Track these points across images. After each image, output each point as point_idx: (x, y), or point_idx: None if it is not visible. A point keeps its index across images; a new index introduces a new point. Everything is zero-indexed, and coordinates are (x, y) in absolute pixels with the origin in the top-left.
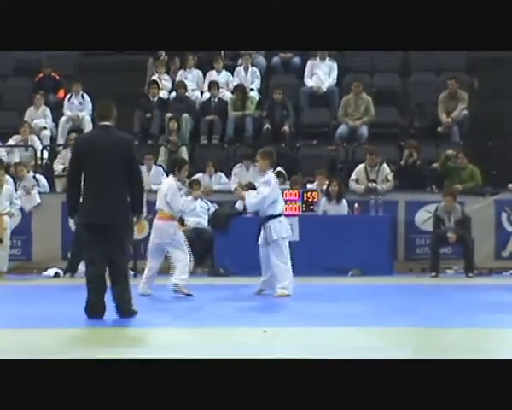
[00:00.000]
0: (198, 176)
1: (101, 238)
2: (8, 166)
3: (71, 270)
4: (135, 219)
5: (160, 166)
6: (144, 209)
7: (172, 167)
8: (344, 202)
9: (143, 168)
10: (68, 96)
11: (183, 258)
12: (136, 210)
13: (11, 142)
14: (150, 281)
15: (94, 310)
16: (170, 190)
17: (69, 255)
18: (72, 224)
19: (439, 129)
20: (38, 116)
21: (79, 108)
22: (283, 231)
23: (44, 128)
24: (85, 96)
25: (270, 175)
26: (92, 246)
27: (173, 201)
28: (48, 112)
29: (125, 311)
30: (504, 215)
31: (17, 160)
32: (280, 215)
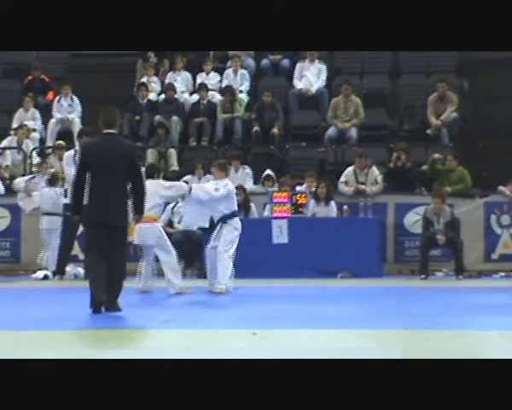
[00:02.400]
0: (187, 178)
1: (102, 237)
2: None
3: (60, 272)
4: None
5: None
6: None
7: (152, 174)
8: (333, 204)
9: None
10: (57, 98)
11: (169, 259)
12: (138, 212)
13: (5, 143)
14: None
15: (98, 305)
16: (160, 193)
17: (57, 258)
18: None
19: (429, 131)
20: (28, 118)
21: (68, 109)
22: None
23: (34, 130)
24: (74, 98)
25: (227, 182)
26: (93, 245)
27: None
28: (37, 114)
29: (111, 304)
30: (494, 218)
31: (8, 162)
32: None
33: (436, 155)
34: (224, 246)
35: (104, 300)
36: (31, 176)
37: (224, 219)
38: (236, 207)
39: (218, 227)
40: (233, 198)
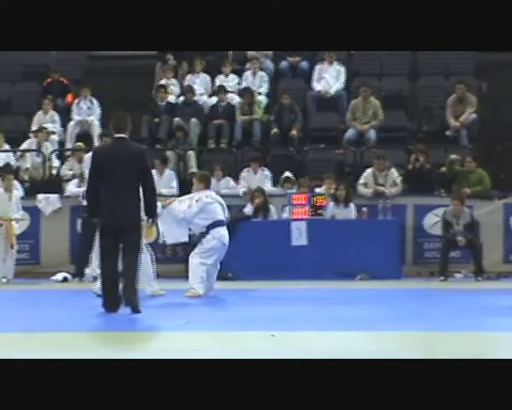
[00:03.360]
0: None
1: (113, 240)
2: (18, 172)
3: (79, 274)
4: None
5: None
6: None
7: None
8: (352, 206)
9: (154, 173)
10: (76, 100)
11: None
12: (149, 215)
13: (25, 146)
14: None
15: (109, 305)
16: None
17: (77, 260)
18: (79, 227)
19: (448, 133)
20: (47, 121)
21: (88, 112)
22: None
23: (53, 133)
24: (94, 100)
25: (201, 195)
26: (106, 247)
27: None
28: (56, 117)
29: (132, 305)
30: None
31: (28, 165)
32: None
33: (453, 156)
34: (197, 252)
35: (114, 299)
36: None
37: (206, 229)
38: (219, 216)
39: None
40: (212, 209)
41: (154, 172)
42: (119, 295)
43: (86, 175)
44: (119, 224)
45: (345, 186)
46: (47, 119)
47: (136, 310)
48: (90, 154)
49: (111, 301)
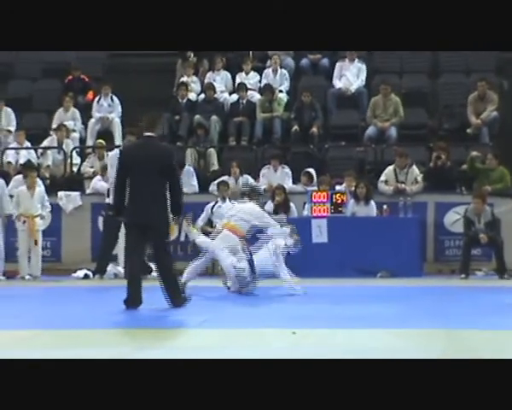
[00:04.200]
0: (224, 178)
1: (140, 237)
2: (39, 169)
3: (100, 271)
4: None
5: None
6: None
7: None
8: (372, 203)
9: None
10: (97, 98)
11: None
12: (174, 213)
13: (45, 143)
14: None
15: (131, 302)
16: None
17: (98, 257)
18: (101, 225)
19: (469, 130)
20: (67, 118)
21: (108, 109)
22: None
23: (74, 130)
24: (114, 98)
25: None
26: (132, 244)
27: None
28: (77, 114)
29: (176, 301)
30: None
31: (49, 162)
32: None
33: (474, 153)
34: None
35: (137, 297)
36: None
37: None
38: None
39: None
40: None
41: None
42: (141, 292)
43: (109, 171)
44: (145, 221)
45: (365, 184)
46: (68, 116)
47: (184, 302)
48: (114, 151)
49: (133, 297)
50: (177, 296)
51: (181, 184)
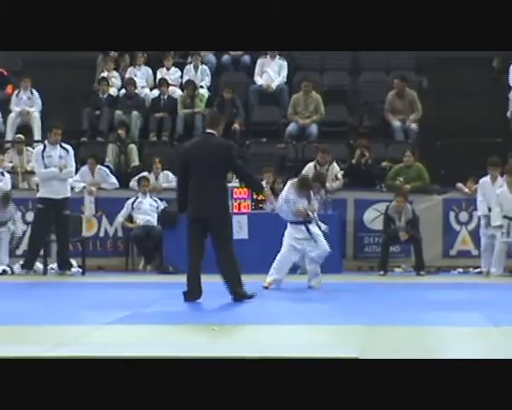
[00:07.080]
0: (145, 174)
1: (201, 231)
2: None
3: (28, 266)
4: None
5: (107, 166)
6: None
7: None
8: None
9: (87, 170)
10: (16, 91)
11: None
12: (257, 191)
13: None
14: None
15: (192, 295)
16: None
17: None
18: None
19: (390, 127)
20: None
21: (28, 103)
22: None
23: None
24: (34, 91)
25: None
26: (193, 238)
27: None
28: None
29: (237, 294)
30: (452, 214)
31: None
32: None
33: (400, 180)
34: None
35: (197, 289)
36: None
37: None
38: None
39: None
40: None
41: (85, 169)
42: (201, 286)
43: (34, 166)
44: (206, 215)
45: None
46: None
47: (242, 299)
48: (39, 147)
49: (193, 291)
50: (238, 288)
51: (246, 170)
